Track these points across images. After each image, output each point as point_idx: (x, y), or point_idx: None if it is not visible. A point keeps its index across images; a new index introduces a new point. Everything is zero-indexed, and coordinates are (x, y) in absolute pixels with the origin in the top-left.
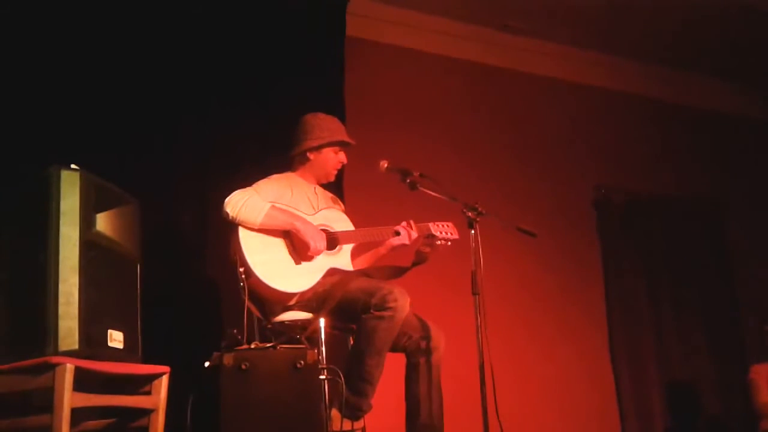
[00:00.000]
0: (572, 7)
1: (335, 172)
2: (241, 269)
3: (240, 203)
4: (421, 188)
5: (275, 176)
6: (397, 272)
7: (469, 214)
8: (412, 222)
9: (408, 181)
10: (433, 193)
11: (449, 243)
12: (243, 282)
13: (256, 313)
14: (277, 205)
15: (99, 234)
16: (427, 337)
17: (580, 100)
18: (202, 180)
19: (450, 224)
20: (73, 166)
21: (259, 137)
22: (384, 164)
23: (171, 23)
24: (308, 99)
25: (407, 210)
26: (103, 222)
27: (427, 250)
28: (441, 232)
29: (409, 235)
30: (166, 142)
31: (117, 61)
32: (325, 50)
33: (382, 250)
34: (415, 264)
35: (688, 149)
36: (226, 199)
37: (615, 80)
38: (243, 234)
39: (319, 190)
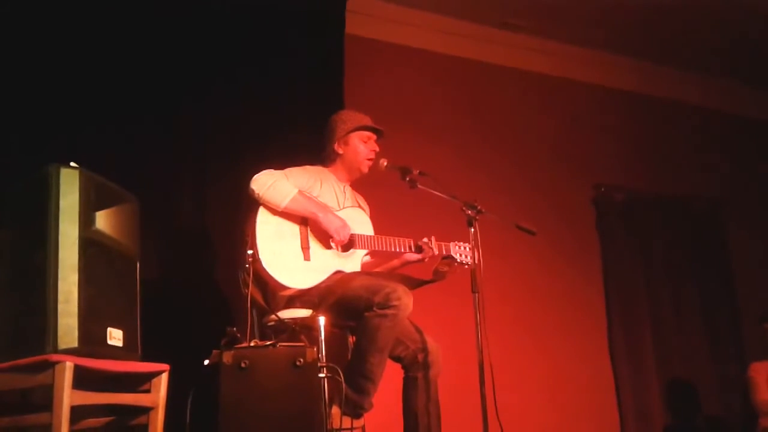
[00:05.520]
0: (572, 6)
1: (368, 163)
2: (250, 252)
3: (268, 183)
4: (421, 186)
5: (308, 167)
6: (412, 283)
7: (469, 212)
8: (433, 238)
9: (407, 179)
10: (432, 191)
11: (467, 266)
12: (249, 264)
13: (260, 300)
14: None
15: (98, 232)
16: (424, 350)
17: (580, 98)
18: (202, 177)
19: (469, 245)
20: (72, 164)
21: (258, 136)
22: (383, 162)
23: (170, 18)
24: (308, 97)
25: (406, 209)
26: (102, 220)
27: (446, 269)
28: (461, 255)
29: (426, 254)
30: (165, 140)
31: (116, 59)
32: (325, 48)
33: (396, 263)
34: (432, 282)
35: (688, 148)
36: (254, 177)
37: (614, 78)
38: (260, 218)
39: (349, 189)
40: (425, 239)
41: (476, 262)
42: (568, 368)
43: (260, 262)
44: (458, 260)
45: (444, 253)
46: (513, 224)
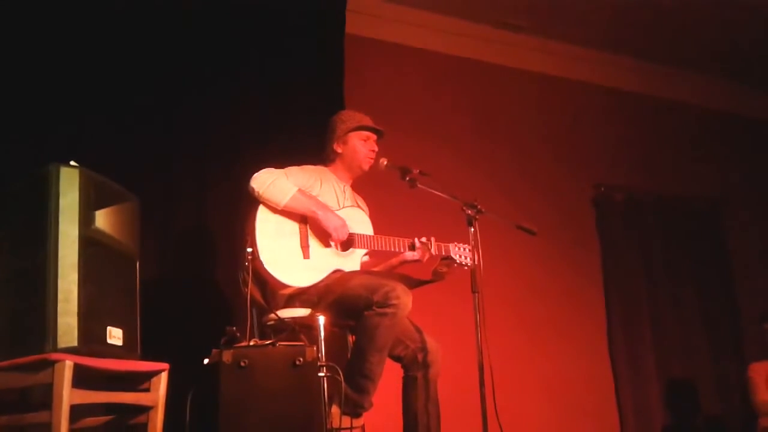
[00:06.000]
0: (572, 5)
1: (369, 161)
2: (249, 249)
3: (268, 182)
4: (421, 186)
5: (307, 166)
6: (412, 283)
7: (469, 211)
8: (432, 239)
9: (407, 178)
10: (432, 191)
11: (466, 267)
12: (248, 262)
13: (259, 299)
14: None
15: (98, 231)
16: (424, 349)
17: (579, 98)
18: (201, 177)
19: (469, 247)
20: (72, 162)
21: (258, 135)
22: (383, 162)
23: (171, 17)
24: (308, 96)
25: (406, 209)
26: (102, 219)
27: (444, 270)
28: (460, 256)
29: (424, 255)
30: (165, 139)
31: (115, 58)
32: (325, 47)
33: (394, 261)
34: (431, 282)
35: (688, 147)
36: (254, 175)
37: (615, 78)
38: (260, 216)
39: (349, 189)
40: (423, 239)
41: (476, 262)
42: (568, 368)
43: (260, 260)
44: (457, 261)
45: (443, 253)
46: (513, 224)
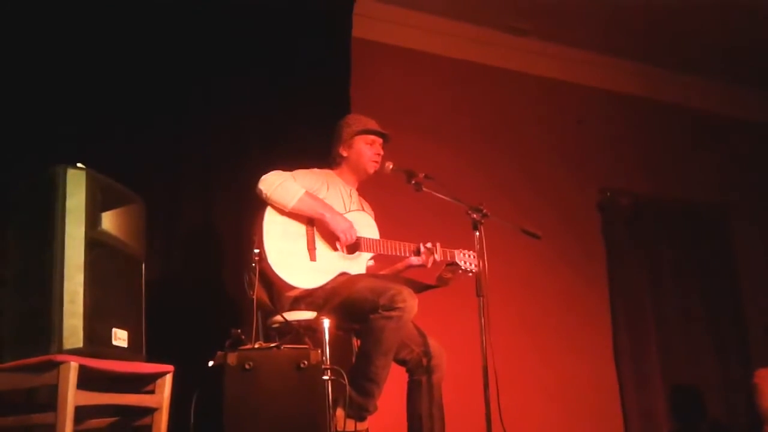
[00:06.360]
0: (576, 9)
1: (374, 165)
2: (256, 251)
3: (276, 183)
4: (426, 189)
5: (315, 170)
6: (417, 287)
7: (474, 215)
8: (438, 245)
9: (413, 182)
10: (438, 195)
11: (471, 274)
12: (255, 263)
13: (265, 300)
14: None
15: (104, 233)
16: (428, 354)
17: (585, 103)
18: (208, 179)
19: (475, 254)
20: (79, 164)
21: (264, 138)
22: (389, 165)
23: (179, 20)
24: (314, 100)
25: (412, 212)
26: (108, 221)
27: (449, 276)
28: (465, 262)
29: (428, 260)
30: (172, 141)
31: (122, 60)
32: (332, 51)
33: (399, 266)
34: (435, 287)
35: (694, 152)
36: (262, 177)
37: (620, 82)
38: (268, 218)
39: (355, 193)
40: (429, 244)
41: (481, 266)
42: (572, 372)
43: (266, 261)
44: (462, 268)
45: (448, 259)
46: (518, 228)
